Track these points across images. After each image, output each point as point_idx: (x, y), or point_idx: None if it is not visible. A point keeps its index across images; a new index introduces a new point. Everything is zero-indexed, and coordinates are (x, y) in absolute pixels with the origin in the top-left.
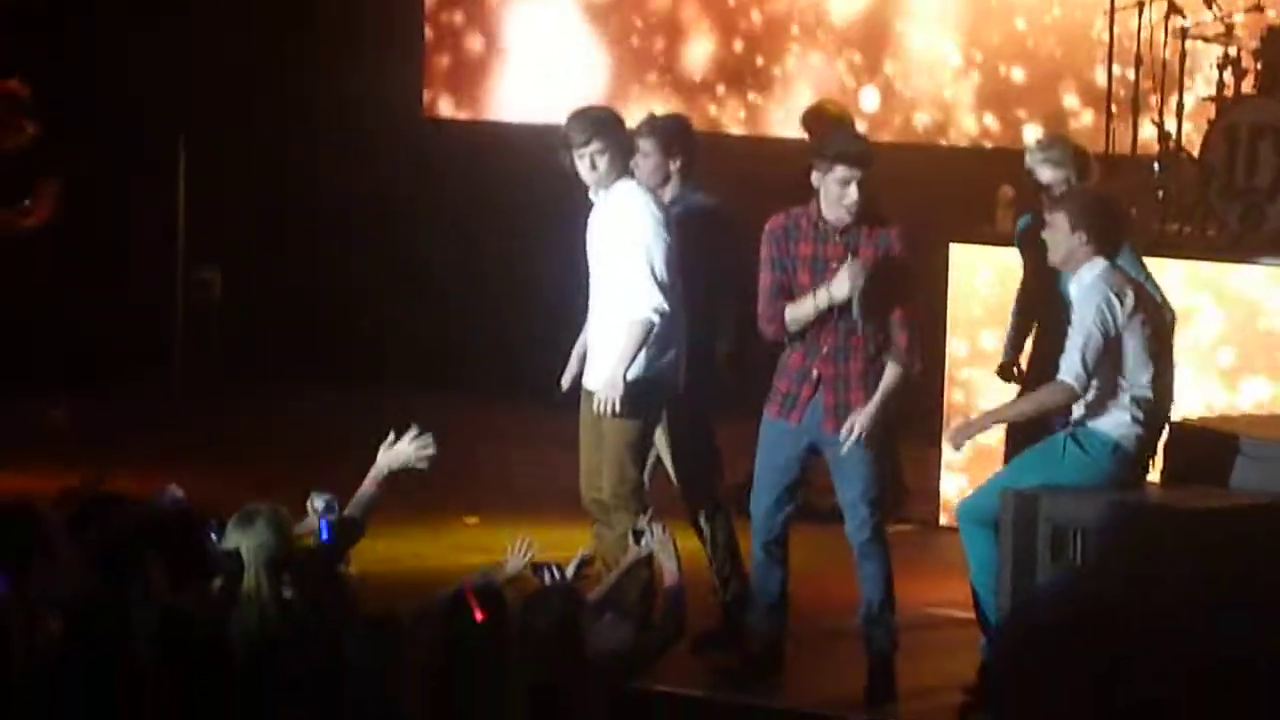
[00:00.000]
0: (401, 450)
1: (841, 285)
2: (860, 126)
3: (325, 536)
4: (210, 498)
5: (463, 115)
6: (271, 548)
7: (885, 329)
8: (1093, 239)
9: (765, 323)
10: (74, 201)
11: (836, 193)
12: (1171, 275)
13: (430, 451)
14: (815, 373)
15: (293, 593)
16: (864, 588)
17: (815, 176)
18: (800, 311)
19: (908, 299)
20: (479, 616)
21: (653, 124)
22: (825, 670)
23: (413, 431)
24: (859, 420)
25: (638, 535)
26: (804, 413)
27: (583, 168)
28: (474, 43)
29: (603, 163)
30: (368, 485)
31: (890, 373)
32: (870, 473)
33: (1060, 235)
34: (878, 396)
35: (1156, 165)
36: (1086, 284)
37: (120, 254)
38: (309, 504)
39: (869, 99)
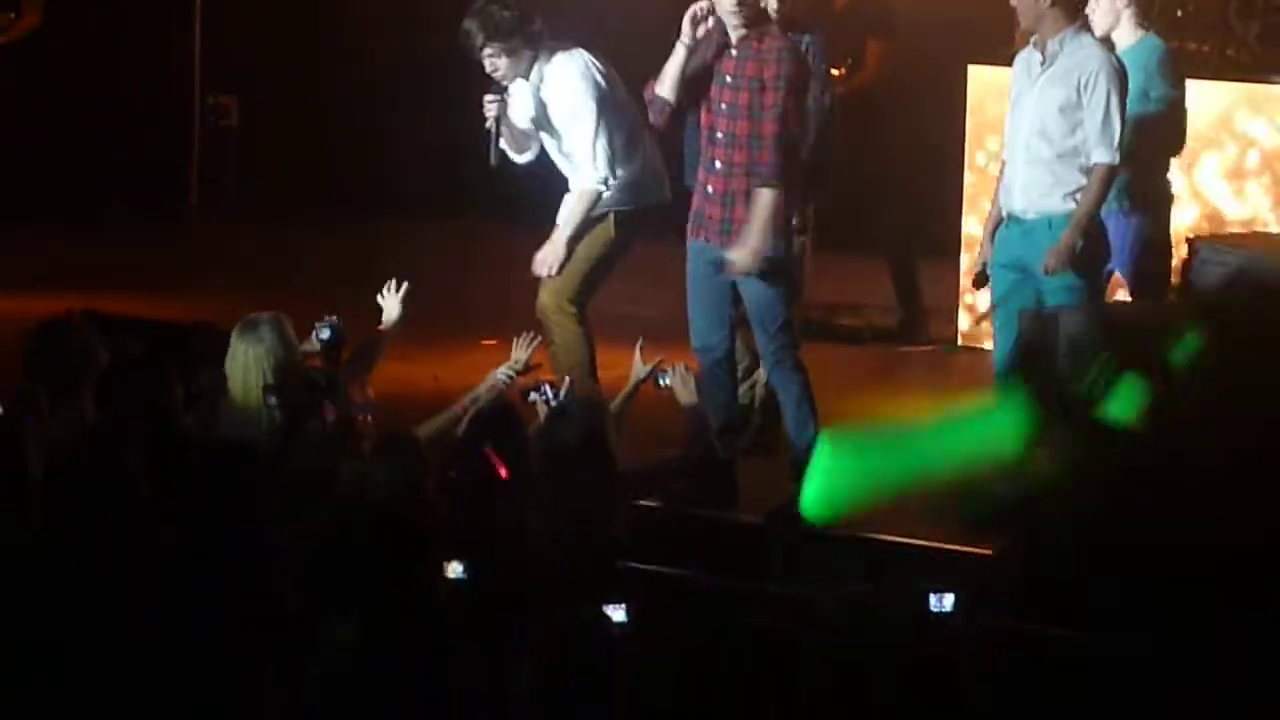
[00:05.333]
0: (389, 308)
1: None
2: None
3: (326, 337)
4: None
5: None
6: (277, 354)
7: (752, 147)
8: (1058, 1)
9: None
10: (92, 30)
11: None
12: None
13: (400, 300)
14: (709, 188)
15: (287, 406)
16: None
17: None
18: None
19: (780, 115)
20: (503, 474)
21: None
22: None
23: (390, 285)
24: (736, 253)
25: (657, 376)
26: (709, 230)
27: (488, 67)
28: None
29: (503, 63)
30: (375, 340)
31: (758, 197)
32: (763, 301)
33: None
34: (752, 225)
35: None
36: (1086, 54)
37: (137, 82)
38: (314, 333)
39: None
